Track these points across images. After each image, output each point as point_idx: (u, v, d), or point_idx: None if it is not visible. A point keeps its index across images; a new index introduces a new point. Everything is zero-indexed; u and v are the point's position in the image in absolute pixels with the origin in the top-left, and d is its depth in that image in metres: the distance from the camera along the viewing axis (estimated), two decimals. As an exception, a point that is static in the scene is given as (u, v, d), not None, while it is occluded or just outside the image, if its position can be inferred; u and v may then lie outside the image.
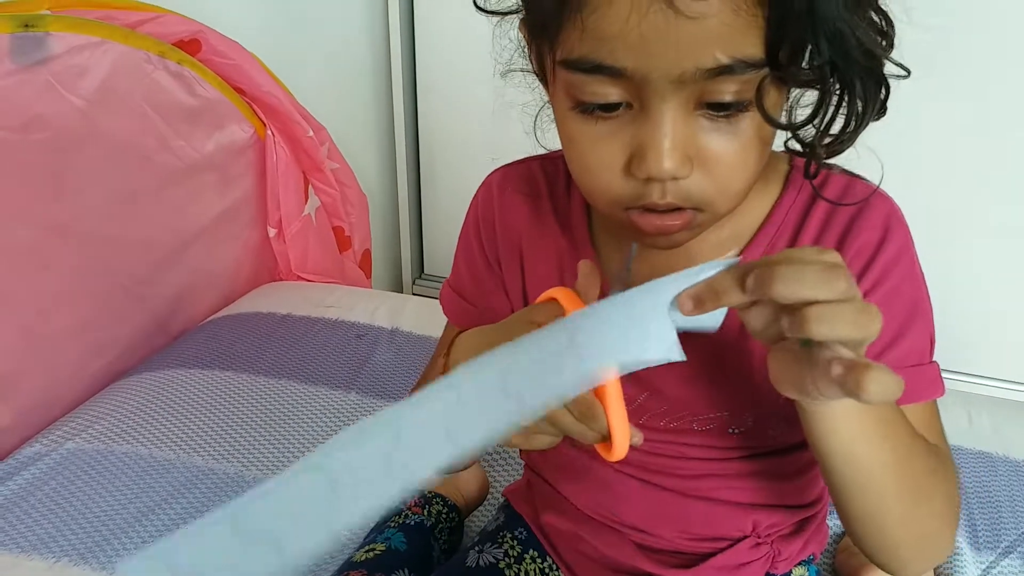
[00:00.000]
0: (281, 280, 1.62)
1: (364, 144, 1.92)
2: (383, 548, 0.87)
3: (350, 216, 1.71)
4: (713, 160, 0.52)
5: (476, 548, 0.83)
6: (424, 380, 0.77)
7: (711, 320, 0.48)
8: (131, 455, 1.08)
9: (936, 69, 1.45)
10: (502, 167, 0.74)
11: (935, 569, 0.90)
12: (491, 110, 1.88)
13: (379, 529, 0.92)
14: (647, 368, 0.47)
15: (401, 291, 2.12)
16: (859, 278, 0.60)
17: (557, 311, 0.52)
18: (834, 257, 0.45)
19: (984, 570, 0.91)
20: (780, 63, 0.48)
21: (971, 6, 1.41)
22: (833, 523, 0.96)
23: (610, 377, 0.48)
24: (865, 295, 0.60)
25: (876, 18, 0.52)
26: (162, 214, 1.32)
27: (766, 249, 0.63)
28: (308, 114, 1.54)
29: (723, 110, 0.50)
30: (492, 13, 0.59)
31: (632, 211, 0.55)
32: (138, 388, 1.22)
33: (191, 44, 1.32)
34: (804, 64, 0.50)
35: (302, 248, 1.61)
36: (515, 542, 0.82)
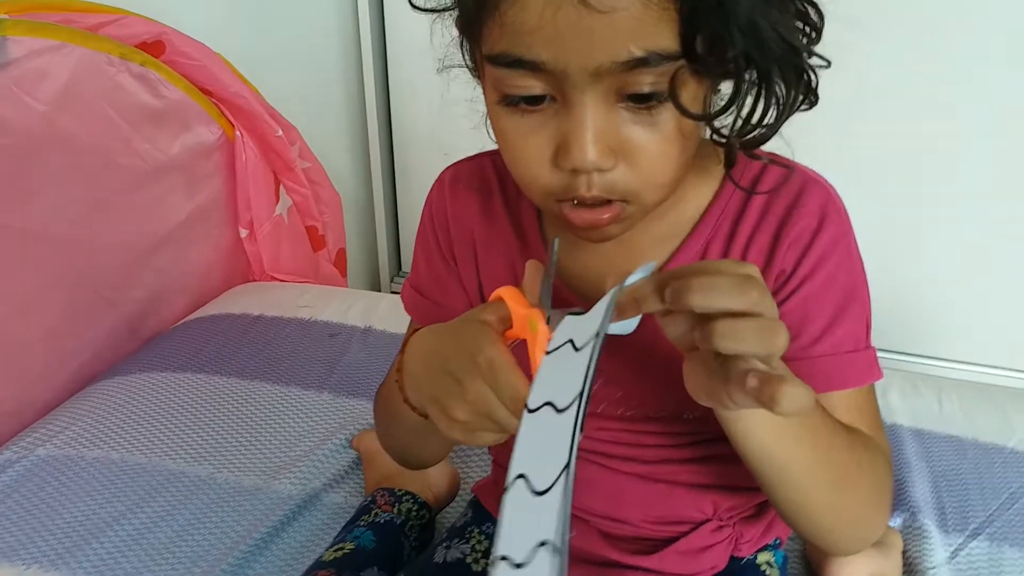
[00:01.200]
0: (254, 281, 1.61)
1: (337, 143, 1.91)
2: (352, 547, 0.87)
3: (323, 215, 1.70)
4: (636, 151, 0.53)
5: (444, 544, 0.83)
6: (386, 379, 0.77)
7: (627, 324, 0.50)
8: (102, 460, 1.08)
9: (904, 53, 1.47)
10: (454, 164, 0.75)
11: (904, 553, 0.91)
12: (465, 106, 1.89)
13: (349, 528, 0.92)
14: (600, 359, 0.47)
15: (379, 290, 2.12)
16: (796, 265, 0.61)
17: (504, 310, 0.53)
18: (750, 270, 0.46)
19: (952, 552, 0.92)
20: (695, 55, 0.49)
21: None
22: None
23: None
24: (802, 282, 0.61)
25: (801, 7, 0.53)
26: (130, 217, 1.31)
27: (706, 239, 0.64)
28: (277, 114, 1.53)
29: (643, 101, 0.51)
30: (425, 11, 0.60)
31: (563, 204, 0.56)
32: (109, 392, 1.21)
33: (155, 46, 1.31)
34: (720, 55, 0.50)
35: (274, 248, 1.60)
36: (482, 536, 0.83)
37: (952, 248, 1.61)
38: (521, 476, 0.40)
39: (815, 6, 0.54)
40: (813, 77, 0.54)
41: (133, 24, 1.28)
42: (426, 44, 1.89)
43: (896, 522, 0.95)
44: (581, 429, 0.41)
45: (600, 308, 0.47)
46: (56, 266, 1.19)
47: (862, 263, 0.64)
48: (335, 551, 0.86)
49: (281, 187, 1.59)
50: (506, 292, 0.53)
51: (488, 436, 0.52)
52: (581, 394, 0.42)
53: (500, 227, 0.71)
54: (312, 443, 1.10)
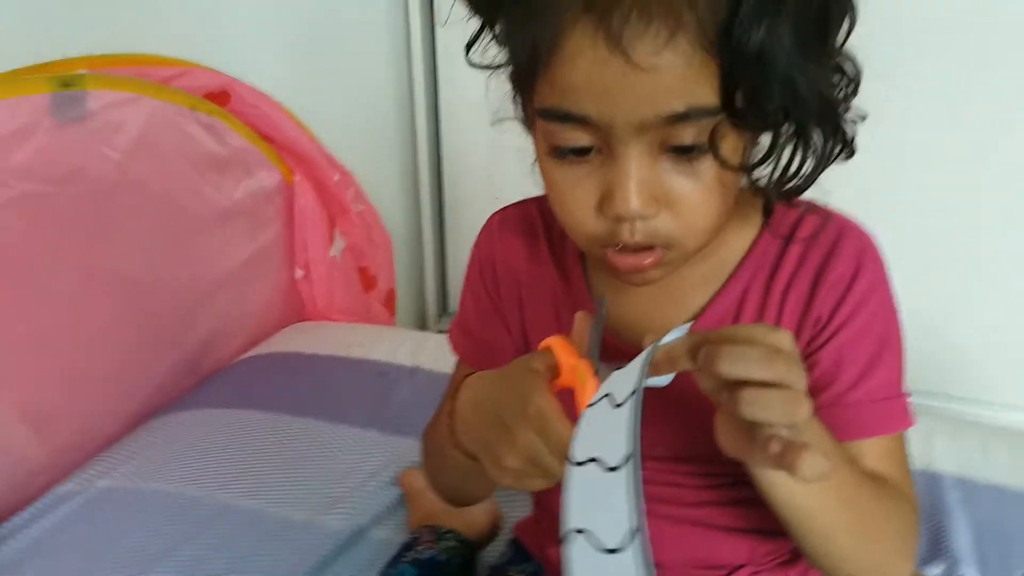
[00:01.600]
0: (308, 320, 1.67)
1: (389, 186, 1.97)
2: (396, 581, 0.90)
3: (375, 256, 1.76)
4: (678, 200, 0.55)
5: (485, 583, 0.86)
6: (434, 420, 0.81)
7: (662, 380, 0.53)
8: (159, 492, 1.12)
9: (946, 96, 1.48)
10: (502, 209, 0.78)
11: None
12: (514, 147, 1.93)
13: (393, 563, 0.95)
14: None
15: (425, 329, 2.16)
16: (833, 311, 0.63)
17: (552, 359, 0.55)
18: (781, 338, 0.48)
19: (993, 604, 0.91)
20: (734, 108, 0.52)
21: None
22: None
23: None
24: (838, 328, 0.63)
25: (838, 62, 0.55)
26: (195, 259, 1.38)
27: (744, 285, 0.66)
28: (334, 159, 1.60)
29: (685, 153, 0.54)
30: (479, 67, 0.63)
31: (607, 249, 0.59)
32: (168, 428, 1.27)
33: (220, 96, 1.39)
34: (759, 109, 0.53)
35: (328, 289, 1.66)
36: (522, 575, 0.85)
37: (1003, 290, 1.60)
38: (580, 531, 0.41)
39: (852, 61, 0.56)
40: (850, 129, 0.57)
41: (201, 76, 1.35)
42: (476, 94, 1.95)
43: (936, 572, 0.94)
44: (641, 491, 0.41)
45: (636, 365, 0.49)
46: (125, 305, 1.26)
47: (897, 310, 0.66)
48: (379, 585, 0.89)
49: (336, 230, 1.65)
50: (555, 342, 0.56)
51: (536, 482, 0.54)
52: (630, 455, 0.43)
53: (545, 270, 0.73)
54: (359, 479, 1.14)
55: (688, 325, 0.51)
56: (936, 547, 0.98)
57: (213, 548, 1.03)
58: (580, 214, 0.57)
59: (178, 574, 0.99)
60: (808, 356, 0.64)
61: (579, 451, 0.45)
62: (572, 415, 0.52)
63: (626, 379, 0.48)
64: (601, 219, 0.57)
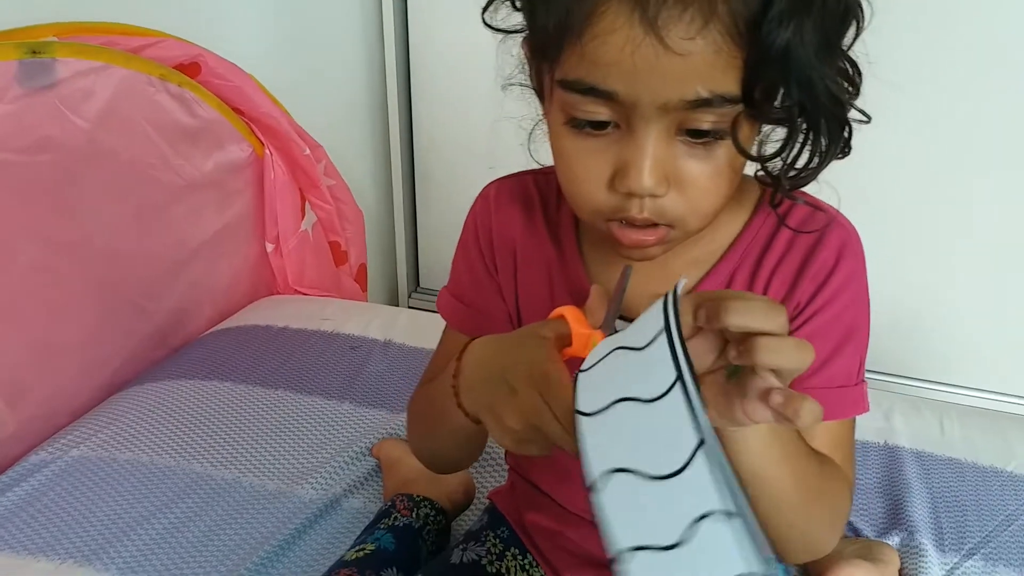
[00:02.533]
0: (279, 294, 1.67)
1: (361, 161, 1.97)
2: (373, 548, 0.91)
3: (346, 231, 1.75)
4: (688, 182, 0.57)
5: (460, 547, 0.87)
6: (428, 382, 0.81)
7: None
8: (133, 462, 1.13)
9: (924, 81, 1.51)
10: (498, 179, 0.79)
11: (900, 571, 0.94)
12: (486, 126, 1.94)
13: (370, 530, 0.96)
14: None
15: (397, 304, 2.17)
16: (811, 298, 0.65)
17: (564, 328, 0.56)
18: (772, 301, 0.50)
19: (948, 571, 0.95)
20: (754, 101, 0.54)
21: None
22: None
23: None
24: (813, 315, 0.65)
25: (845, 66, 0.57)
26: (164, 230, 1.37)
27: (733, 267, 0.68)
28: (305, 133, 1.59)
29: (701, 137, 0.55)
30: (497, 31, 0.64)
31: (612, 223, 0.60)
32: (140, 398, 1.27)
33: (191, 67, 1.37)
34: (776, 104, 0.55)
35: (299, 263, 1.65)
36: (497, 540, 0.87)
37: (957, 276, 1.65)
38: (618, 470, 0.41)
39: (855, 64, 0.58)
40: (850, 129, 0.59)
41: (172, 47, 1.34)
42: (447, 68, 1.96)
43: (894, 540, 0.98)
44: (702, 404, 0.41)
45: (652, 314, 0.48)
46: (94, 276, 1.25)
47: (868, 301, 0.68)
48: (356, 552, 0.91)
49: (307, 203, 1.65)
50: (568, 311, 0.56)
51: (535, 447, 0.56)
52: (678, 377, 0.42)
53: (540, 242, 0.75)
54: (333, 450, 1.15)
55: (684, 281, 0.50)
56: (895, 517, 1.02)
57: (187, 517, 1.03)
58: (591, 186, 0.59)
59: (153, 542, 1.00)
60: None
61: (592, 402, 0.46)
62: None
63: (643, 326, 0.48)
64: (611, 193, 0.58)
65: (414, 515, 0.97)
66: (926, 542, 0.97)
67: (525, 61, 0.64)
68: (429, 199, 2.09)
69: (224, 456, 1.14)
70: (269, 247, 1.62)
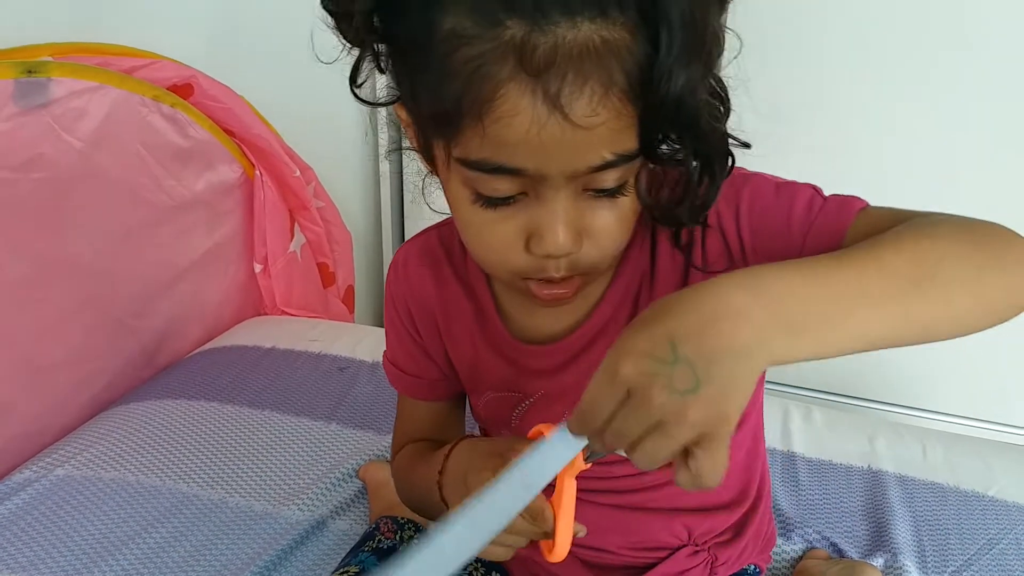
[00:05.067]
0: (266, 315, 1.67)
1: (350, 183, 1.98)
2: (357, 570, 0.91)
3: (334, 253, 1.76)
4: (599, 232, 0.59)
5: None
6: (401, 444, 0.86)
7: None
8: (119, 481, 1.12)
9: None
10: (404, 244, 0.81)
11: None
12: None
13: (354, 553, 0.96)
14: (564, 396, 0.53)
15: (383, 326, 2.17)
16: (735, 220, 0.64)
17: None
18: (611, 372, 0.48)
19: (930, 593, 0.96)
20: (650, 151, 0.55)
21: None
22: (789, 548, 1.02)
23: (565, 491, 0.57)
24: (747, 216, 0.64)
25: (717, 90, 0.57)
26: (154, 250, 1.37)
27: (629, 277, 0.70)
28: (295, 155, 1.60)
29: (606, 192, 0.57)
30: (368, 104, 0.64)
31: (529, 281, 0.62)
32: (126, 417, 1.26)
33: (184, 88, 1.39)
34: (666, 147, 0.56)
35: (287, 284, 1.66)
36: (479, 564, 0.87)
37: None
38: None
39: (722, 85, 0.58)
40: (733, 156, 0.59)
41: (166, 67, 1.35)
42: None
43: (878, 562, 0.99)
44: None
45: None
46: (82, 293, 1.25)
47: (763, 173, 0.66)
48: (340, 574, 0.91)
49: (296, 225, 1.66)
50: (545, 428, 0.57)
51: (499, 550, 0.60)
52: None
53: (454, 296, 0.76)
54: (320, 472, 1.15)
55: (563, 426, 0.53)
56: (879, 539, 1.03)
57: (173, 537, 1.03)
58: (505, 253, 0.59)
59: (139, 562, 0.99)
60: (759, 252, 0.64)
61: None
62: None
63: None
64: (526, 255, 0.59)
65: (398, 537, 0.97)
66: (909, 564, 0.98)
67: (402, 123, 0.64)
68: (418, 221, 2.09)
69: (210, 476, 1.14)
70: (257, 268, 1.62)
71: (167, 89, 1.34)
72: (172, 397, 1.31)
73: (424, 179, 0.71)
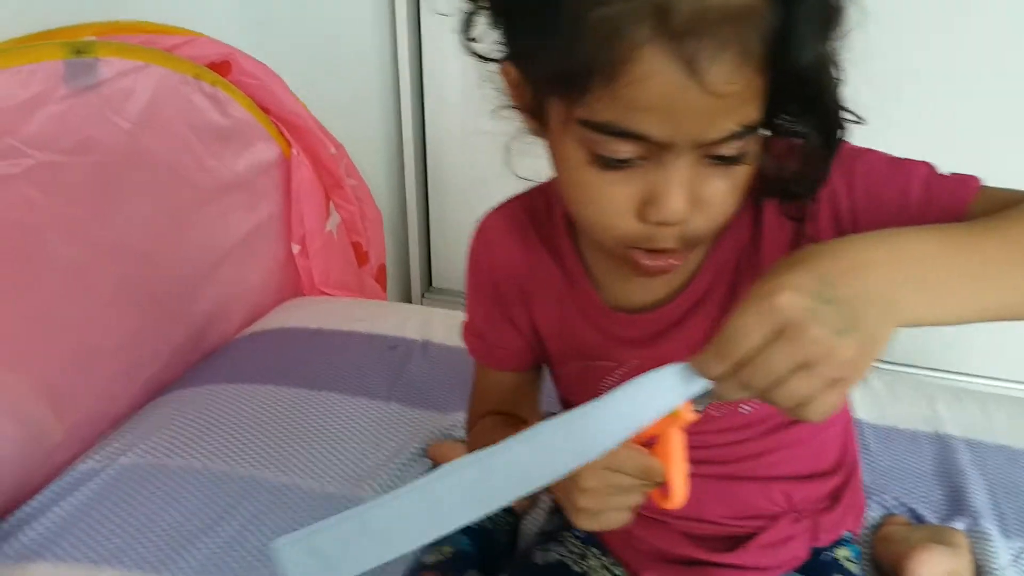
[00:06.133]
0: (304, 295, 1.65)
1: (374, 162, 1.95)
2: (451, 550, 0.91)
3: (367, 231, 1.74)
4: (711, 202, 0.58)
5: (540, 547, 0.87)
6: (479, 417, 0.85)
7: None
8: (186, 468, 1.11)
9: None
10: (489, 213, 0.80)
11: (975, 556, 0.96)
12: (499, 128, 1.93)
13: (443, 533, 0.95)
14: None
15: (413, 303, 2.15)
16: (848, 190, 0.63)
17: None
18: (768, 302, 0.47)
19: (1015, 555, 0.96)
20: (773, 123, 0.55)
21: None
22: (868, 514, 1.02)
23: (668, 436, 0.55)
24: (859, 186, 0.63)
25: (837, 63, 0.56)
26: (198, 232, 1.35)
27: (730, 247, 0.69)
28: (328, 132, 1.58)
29: (724, 161, 0.56)
30: (483, 59, 0.63)
31: (635, 250, 0.60)
32: (182, 403, 1.25)
33: (222, 66, 1.36)
34: (789, 119, 0.56)
35: (325, 264, 1.64)
36: (576, 540, 0.87)
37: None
38: None
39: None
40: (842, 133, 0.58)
41: (203, 45, 1.32)
42: (460, 68, 1.95)
43: (959, 527, 0.99)
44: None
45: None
46: (132, 279, 1.23)
47: (876, 150, 0.65)
48: (435, 554, 0.90)
49: (331, 204, 1.63)
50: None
51: (614, 515, 0.59)
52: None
53: (542, 263, 0.76)
54: (388, 452, 1.14)
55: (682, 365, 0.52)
56: (956, 504, 1.03)
57: (251, 523, 1.02)
58: (617, 218, 0.58)
59: (220, 549, 0.98)
60: (871, 225, 0.61)
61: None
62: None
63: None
64: (639, 223, 0.58)
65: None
66: (991, 527, 0.99)
67: (508, 82, 0.63)
68: (442, 199, 2.07)
69: (278, 460, 1.12)
70: (295, 248, 1.60)
71: (206, 67, 1.31)
72: (226, 381, 1.29)
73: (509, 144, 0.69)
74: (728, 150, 0.55)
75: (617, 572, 0.83)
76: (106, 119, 1.13)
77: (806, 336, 0.45)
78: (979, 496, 1.04)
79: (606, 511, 0.59)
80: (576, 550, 0.86)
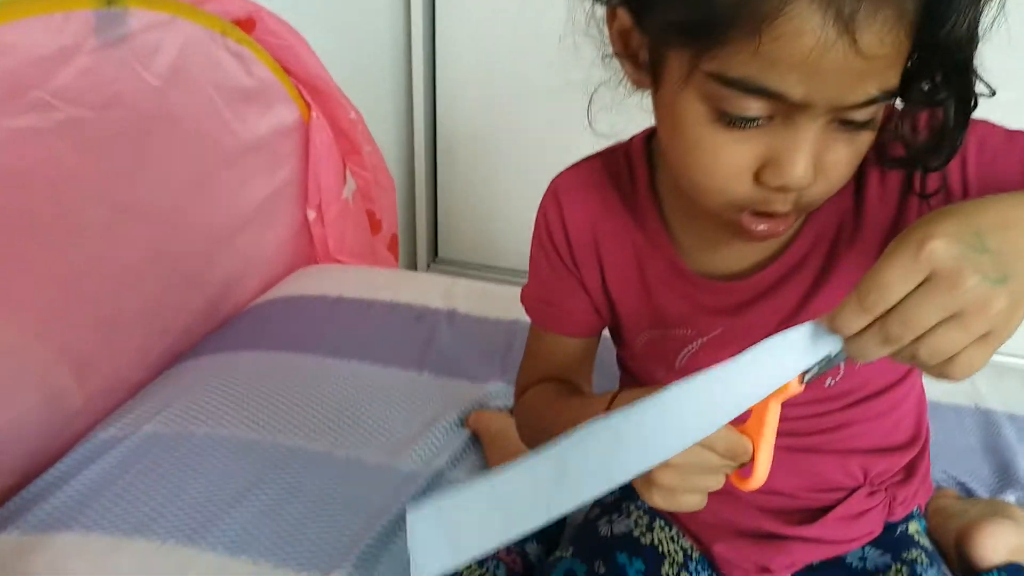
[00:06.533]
0: (318, 263, 1.61)
1: (384, 130, 1.91)
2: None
3: (381, 199, 1.70)
4: (830, 167, 0.55)
5: (604, 519, 0.85)
6: (530, 384, 0.82)
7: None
8: (214, 436, 1.07)
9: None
10: (564, 172, 0.77)
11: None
12: (510, 97, 1.90)
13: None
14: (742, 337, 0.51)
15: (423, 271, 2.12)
16: (962, 168, 0.61)
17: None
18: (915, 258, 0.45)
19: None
20: (913, 91, 0.53)
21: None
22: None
23: (765, 410, 0.53)
24: (966, 170, 0.61)
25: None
26: (220, 195, 1.31)
27: (828, 215, 0.66)
28: (347, 98, 1.53)
29: (852, 126, 0.54)
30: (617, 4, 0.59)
31: (743, 213, 0.58)
32: (202, 371, 1.21)
33: (247, 23, 1.31)
34: (925, 88, 0.54)
35: (340, 231, 1.60)
36: (641, 512, 0.84)
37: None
38: None
39: None
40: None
41: (228, 1, 1.27)
42: (472, 36, 1.92)
43: (1010, 500, 0.98)
44: None
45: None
46: (155, 243, 1.19)
47: (995, 124, 0.63)
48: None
49: (347, 170, 1.59)
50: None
51: (691, 498, 0.55)
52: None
53: (622, 225, 0.73)
54: (423, 422, 1.11)
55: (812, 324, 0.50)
56: (1005, 478, 1.02)
57: (288, 491, 0.99)
58: (732, 180, 0.56)
59: (256, 519, 0.95)
60: (982, 191, 0.62)
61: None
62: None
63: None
64: (752, 184, 0.55)
65: (533, 486, 0.94)
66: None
67: (615, 28, 0.59)
68: (451, 170, 2.04)
69: (310, 429, 1.09)
70: (311, 215, 1.56)
71: (232, 23, 1.26)
72: (246, 349, 1.26)
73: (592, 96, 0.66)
74: (861, 115, 0.53)
75: (685, 545, 0.81)
76: (135, 75, 1.08)
77: (960, 284, 0.44)
78: (1027, 469, 1.03)
79: (685, 492, 0.56)
80: (642, 522, 0.84)
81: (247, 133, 1.32)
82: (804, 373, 0.51)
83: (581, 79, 0.68)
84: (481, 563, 0.82)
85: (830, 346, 0.50)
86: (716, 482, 0.56)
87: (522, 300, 0.83)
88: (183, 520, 0.95)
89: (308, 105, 1.46)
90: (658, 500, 0.56)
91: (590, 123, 0.70)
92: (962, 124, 0.56)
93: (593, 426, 0.49)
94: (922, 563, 0.77)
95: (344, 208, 1.59)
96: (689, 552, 0.81)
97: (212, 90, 1.23)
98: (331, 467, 1.03)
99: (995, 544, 0.85)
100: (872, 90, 0.51)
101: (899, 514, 0.79)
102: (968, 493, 1.01)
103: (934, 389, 1.19)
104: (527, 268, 0.82)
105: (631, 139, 0.74)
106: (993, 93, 0.56)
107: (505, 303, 1.36)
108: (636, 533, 0.82)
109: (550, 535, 0.91)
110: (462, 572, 0.81)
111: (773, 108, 0.52)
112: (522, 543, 0.85)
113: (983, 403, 1.16)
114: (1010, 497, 0.99)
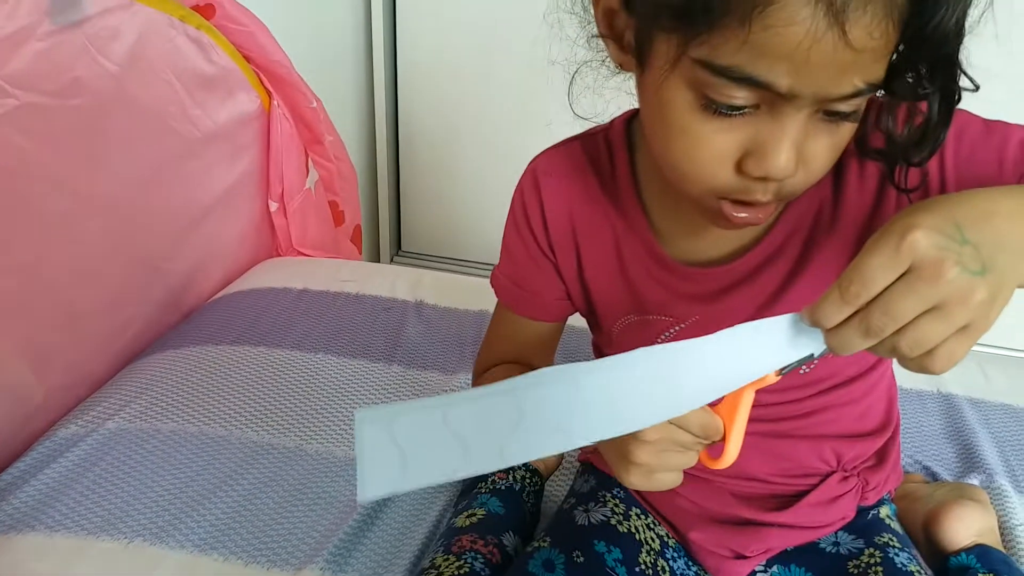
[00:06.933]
0: (280, 255, 1.58)
1: (345, 121, 1.89)
2: (483, 512, 0.88)
3: (343, 190, 1.68)
4: (812, 158, 0.55)
5: (580, 508, 0.84)
6: (492, 363, 0.82)
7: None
8: (180, 433, 1.05)
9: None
10: (543, 152, 0.76)
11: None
12: (473, 89, 1.89)
13: (469, 495, 0.92)
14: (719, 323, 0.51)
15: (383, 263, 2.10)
16: (939, 163, 0.62)
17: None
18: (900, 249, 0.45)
19: (1030, 510, 0.98)
20: (896, 84, 0.53)
21: None
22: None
23: (739, 395, 0.54)
24: (950, 152, 0.61)
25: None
26: (181, 186, 1.28)
27: (806, 203, 0.66)
28: (308, 86, 1.50)
29: (836, 117, 0.54)
30: None
31: (724, 201, 0.58)
32: (166, 366, 1.18)
33: (206, 8, 1.28)
34: (910, 81, 0.54)
35: (303, 223, 1.57)
36: (617, 501, 0.84)
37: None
38: None
39: None
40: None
41: (188, -15, 1.24)
42: (433, 25, 1.91)
43: (975, 481, 1.00)
44: None
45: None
46: (116, 234, 1.15)
47: (976, 115, 0.64)
48: (467, 517, 0.87)
49: (309, 160, 1.57)
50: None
51: (668, 476, 0.57)
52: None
53: (600, 209, 0.72)
54: (394, 414, 1.10)
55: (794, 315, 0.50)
56: (969, 462, 1.04)
57: (262, 484, 0.97)
58: (714, 168, 0.56)
59: (226, 516, 0.93)
60: (962, 187, 0.60)
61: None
62: None
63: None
64: (733, 174, 0.55)
65: (511, 477, 0.94)
66: (1005, 484, 1.00)
67: (601, 8, 0.59)
68: (413, 161, 2.02)
69: (280, 424, 1.07)
70: (273, 206, 1.53)
71: (191, 9, 1.23)
72: (211, 343, 1.23)
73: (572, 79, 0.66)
74: (846, 107, 0.53)
75: (662, 532, 0.82)
76: (92, 59, 1.04)
77: (941, 276, 0.44)
78: (990, 453, 1.05)
79: (660, 470, 0.57)
80: (619, 511, 0.84)
81: (207, 121, 1.29)
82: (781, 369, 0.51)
83: (552, 61, 0.67)
84: (459, 555, 0.81)
85: (810, 342, 0.49)
86: (689, 459, 0.57)
87: (492, 280, 0.82)
88: (150, 518, 0.93)
89: (269, 93, 1.44)
90: (635, 479, 0.57)
91: (570, 104, 0.69)
92: (945, 119, 0.56)
93: (551, 371, 0.47)
94: (894, 547, 0.78)
95: (307, 199, 1.56)
96: (666, 539, 0.81)
97: (172, 77, 1.20)
98: (302, 462, 1.01)
99: (962, 527, 0.87)
100: (858, 82, 0.51)
101: (871, 499, 0.80)
102: (934, 477, 1.03)
103: (898, 375, 1.22)
104: (492, 260, 0.81)
105: (611, 122, 0.73)
106: (977, 88, 0.56)
107: (473, 294, 1.35)
108: (613, 522, 0.82)
109: (527, 526, 0.91)
110: (438, 562, 0.80)
111: (759, 97, 0.52)
112: (499, 535, 0.84)
113: (944, 387, 1.18)
114: (974, 480, 1.01)
